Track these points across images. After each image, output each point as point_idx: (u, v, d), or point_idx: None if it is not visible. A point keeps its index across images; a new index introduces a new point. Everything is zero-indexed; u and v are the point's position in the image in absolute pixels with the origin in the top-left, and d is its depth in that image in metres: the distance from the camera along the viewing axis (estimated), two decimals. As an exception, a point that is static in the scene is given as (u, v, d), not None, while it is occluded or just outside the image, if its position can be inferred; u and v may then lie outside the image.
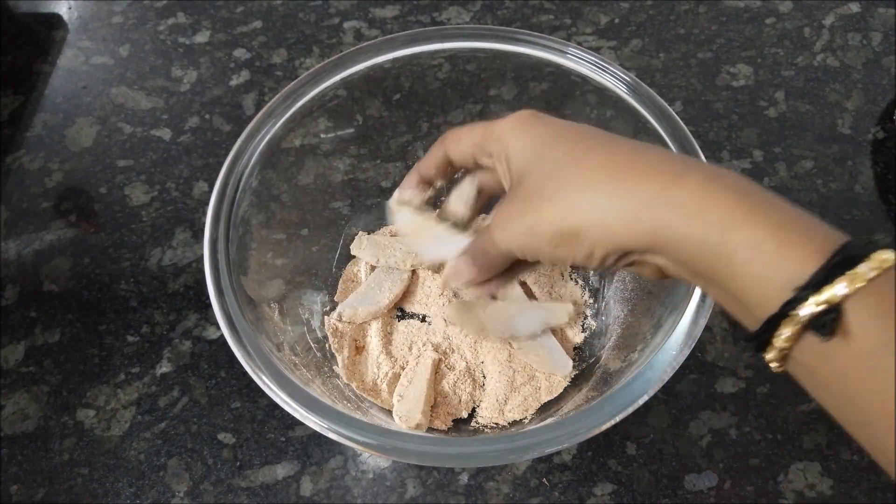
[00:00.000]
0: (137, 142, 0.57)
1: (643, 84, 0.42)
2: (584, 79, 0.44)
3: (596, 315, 0.46)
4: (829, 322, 0.22)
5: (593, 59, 0.43)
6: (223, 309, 0.36)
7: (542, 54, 0.44)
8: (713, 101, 0.57)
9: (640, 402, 0.32)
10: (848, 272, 0.21)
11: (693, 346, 0.33)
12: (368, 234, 0.50)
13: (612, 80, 0.42)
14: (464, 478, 0.42)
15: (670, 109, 0.41)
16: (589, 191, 0.26)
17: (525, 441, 0.31)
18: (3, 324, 0.49)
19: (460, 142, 0.34)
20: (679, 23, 0.63)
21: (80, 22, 0.66)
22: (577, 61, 0.43)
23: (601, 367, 0.42)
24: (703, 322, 0.34)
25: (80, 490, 0.42)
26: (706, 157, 0.39)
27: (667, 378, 0.32)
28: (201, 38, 0.64)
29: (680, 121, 0.40)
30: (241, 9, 0.66)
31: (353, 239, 0.49)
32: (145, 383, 0.46)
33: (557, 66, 0.44)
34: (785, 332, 0.22)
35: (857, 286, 0.21)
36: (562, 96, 0.46)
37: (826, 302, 0.21)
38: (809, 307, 0.22)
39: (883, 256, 0.21)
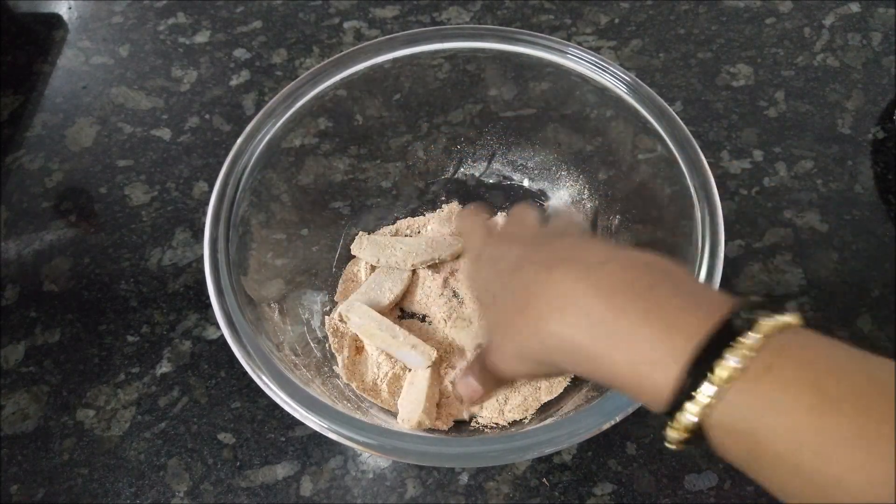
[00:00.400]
0: (137, 142, 0.57)
1: (643, 84, 0.42)
2: (584, 79, 0.44)
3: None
4: (696, 437, 0.23)
5: (593, 59, 0.43)
6: (223, 309, 0.36)
7: (542, 54, 0.44)
8: (713, 101, 0.57)
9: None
10: (707, 380, 0.22)
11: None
12: (368, 234, 0.50)
13: (612, 80, 0.42)
14: (464, 478, 0.42)
15: (670, 109, 0.41)
16: (507, 339, 0.30)
17: (525, 441, 0.31)
18: (3, 324, 0.49)
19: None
20: (679, 23, 0.63)
21: (80, 22, 0.66)
22: (577, 61, 0.43)
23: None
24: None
25: (80, 490, 0.42)
26: (706, 157, 0.39)
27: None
28: (201, 38, 0.64)
29: (680, 121, 0.40)
30: (241, 9, 0.66)
31: (354, 239, 0.49)
32: (145, 383, 0.46)
33: (557, 66, 0.44)
34: (671, 436, 0.24)
35: (711, 397, 0.22)
36: (562, 96, 0.46)
37: (696, 414, 0.22)
38: (681, 422, 0.23)
39: (744, 342, 0.22)
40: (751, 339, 0.22)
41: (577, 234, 0.33)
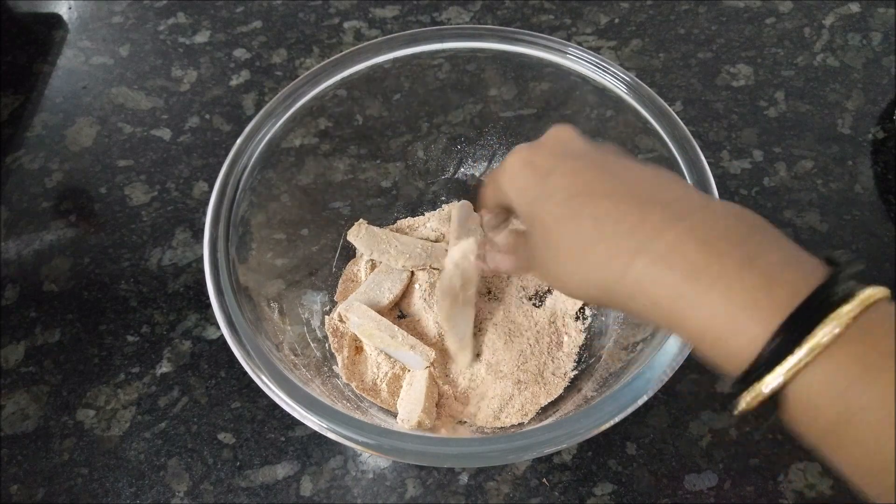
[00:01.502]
0: (137, 142, 0.57)
1: (643, 84, 0.42)
2: (584, 79, 0.44)
3: (596, 315, 0.46)
4: (772, 404, 0.22)
5: (593, 59, 0.43)
6: (223, 309, 0.36)
7: (542, 54, 0.44)
8: (713, 101, 0.57)
9: (640, 402, 0.32)
10: (805, 341, 0.20)
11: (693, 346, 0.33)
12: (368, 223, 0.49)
13: (612, 80, 0.42)
14: (464, 478, 0.42)
15: (670, 109, 0.41)
16: (568, 266, 0.27)
17: (525, 441, 0.31)
18: (3, 324, 0.49)
19: (486, 201, 0.35)
20: (679, 23, 0.63)
21: (80, 22, 0.66)
22: (577, 61, 0.43)
23: (601, 367, 0.42)
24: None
25: (80, 490, 0.42)
26: (706, 157, 0.39)
27: (667, 378, 0.32)
28: (201, 38, 0.64)
29: (680, 121, 0.40)
30: (241, 9, 0.66)
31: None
32: (145, 383, 0.46)
33: (557, 66, 0.44)
34: (746, 400, 0.22)
35: (806, 361, 0.20)
36: (562, 96, 0.46)
37: (783, 375, 0.21)
38: (766, 383, 0.21)
39: (843, 311, 0.20)
40: (850, 307, 0.20)
41: (642, 166, 0.29)
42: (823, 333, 0.20)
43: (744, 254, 0.22)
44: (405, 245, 0.47)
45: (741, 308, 0.22)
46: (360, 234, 0.47)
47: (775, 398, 0.21)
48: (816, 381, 0.20)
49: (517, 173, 0.29)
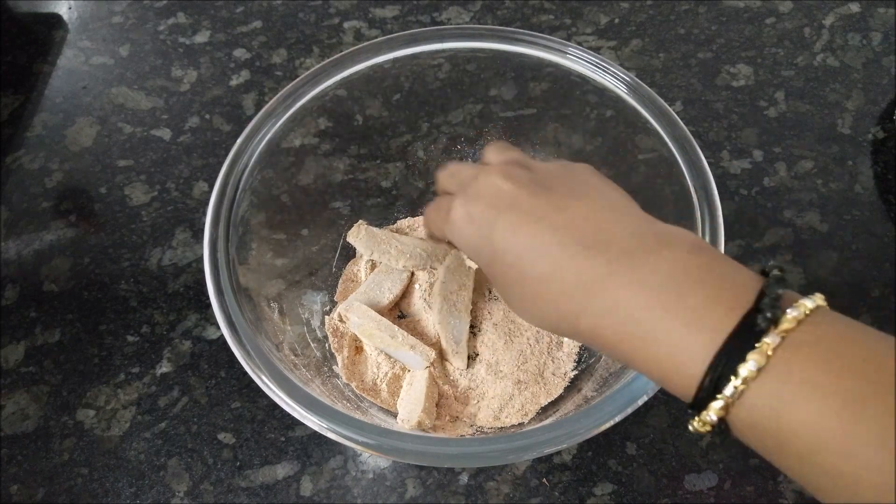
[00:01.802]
0: (137, 142, 0.57)
1: (643, 84, 0.42)
2: (584, 79, 0.44)
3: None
4: (722, 426, 0.23)
5: (593, 59, 0.43)
6: (223, 309, 0.36)
7: (542, 54, 0.44)
8: (713, 101, 0.57)
9: (640, 402, 0.32)
10: (734, 377, 0.22)
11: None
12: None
13: (612, 80, 0.42)
14: (464, 478, 0.42)
15: (670, 110, 0.41)
16: (525, 308, 0.29)
17: (525, 441, 0.31)
18: (3, 324, 0.49)
19: (432, 237, 0.37)
20: (679, 23, 0.63)
21: (80, 22, 0.66)
22: (576, 61, 0.43)
23: (601, 368, 0.42)
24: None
25: (80, 490, 0.42)
26: (706, 158, 0.39)
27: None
28: (201, 38, 0.64)
29: (680, 121, 0.40)
30: (241, 9, 0.66)
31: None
32: (145, 383, 0.46)
33: (557, 66, 0.44)
34: (695, 426, 0.24)
35: (740, 391, 0.22)
36: (562, 96, 0.46)
37: (720, 409, 0.22)
38: (708, 415, 0.23)
39: (767, 341, 0.21)
40: (771, 337, 0.21)
41: (582, 181, 0.30)
42: (746, 367, 0.21)
43: (670, 302, 0.24)
44: (405, 245, 0.47)
45: (674, 354, 0.23)
46: (359, 235, 0.47)
47: (723, 422, 0.23)
48: (753, 407, 0.22)
49: (464, 233, 0.30)
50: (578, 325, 0.26)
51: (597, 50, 0.61)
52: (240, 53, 0.63)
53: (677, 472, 0.41)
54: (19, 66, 0.63)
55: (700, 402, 0.23)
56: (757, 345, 0.21)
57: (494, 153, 0.34)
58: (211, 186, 0.44)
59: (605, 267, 0.25)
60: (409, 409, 0.40)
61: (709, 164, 0.39)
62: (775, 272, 0.24)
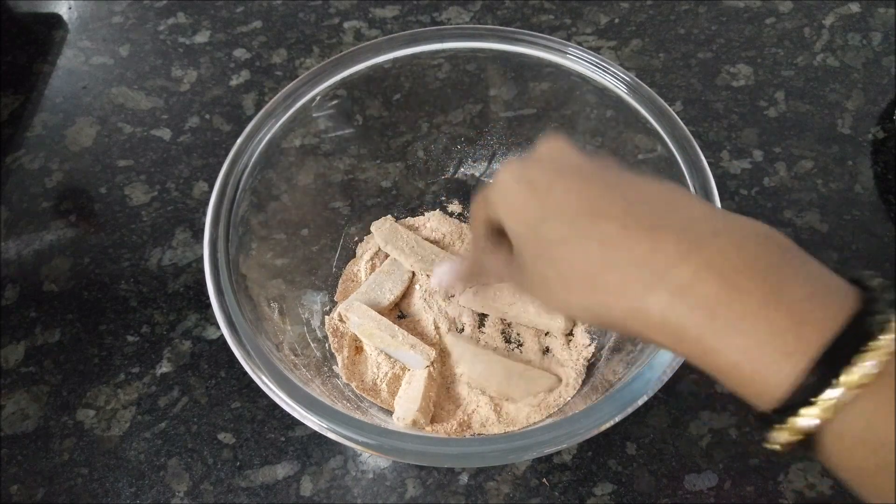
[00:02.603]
0: (137, 142, 0.57)
1: (643, 84, 0.42)
2: (584, 79, 0.44)
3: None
4: (807, 442, 0.20)
5: (593, 59, 0.43)
6: (223, 309, 0.36)
7: (541, 54, 0.44)
8: (713, 101, 0.57)
9: (640, 402, 0.32)
10: (842, 379, 0.19)
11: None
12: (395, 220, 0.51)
13: (612, 80, 0.42)
14: (464, 478, 0.42)
15: (670, 110, 0.41)
16: (572, 292, 0.25)
17: (525, 441, 0.31)
18: (3, 324, 0.49)
19: (476, 219, 0.32)
20: (679, 23, 0.63)
21: (80, 22, 0.66)
22: (576, 61, 0.43)
23: (601, 368, 0.42)
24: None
25: (80, 490, 0.42)
26: (706, 158, 0.39)
27: (666, 378, 0.32)
28: (201, 38, 0.64)
29: (680, 121, 0.40)
30: (241, 9, 0.66)
31: (354, 238, 0.49)
32: (145, 383, 0.46)
33: (557, 66, 0.44)
34: (779, 441, 0.21)
35: (844, 400, 0.19)
36: (562, 96, 0.46)
37: (819, 416, 0.20)
38: (800, 423, 0.20)
39: (881, 344, 0.19)
40: (888, 341, 0.19)
41: (647, 181, 0.26)
42: (861, 370, 0.19)
43: (768, 289, 0.21)
44: (422, 248, 0.47)
45: (769, 349, 0.21)
46: (383, 226, 0.48)
47: (810, 437, 0.20)
48: (854, 421, 0.19)
49: (512, 191, 0.27)
50: (642, 304, 0.22)
51: (597, 50, 0.61)
52: (240, 53, 0.63)
53: (677, 472, 0.41)
54: (19, 66, 0.63)
55: (792, 404, 0.20)
56: (872, 343, 0.19)
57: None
58: (211, 186, 0.44)
59: (687, 243, 0.22)
60: (406, 408, 0.40)
61: (709, 164, 0.39)
62: (878, 279, 0.21)
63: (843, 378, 0.19)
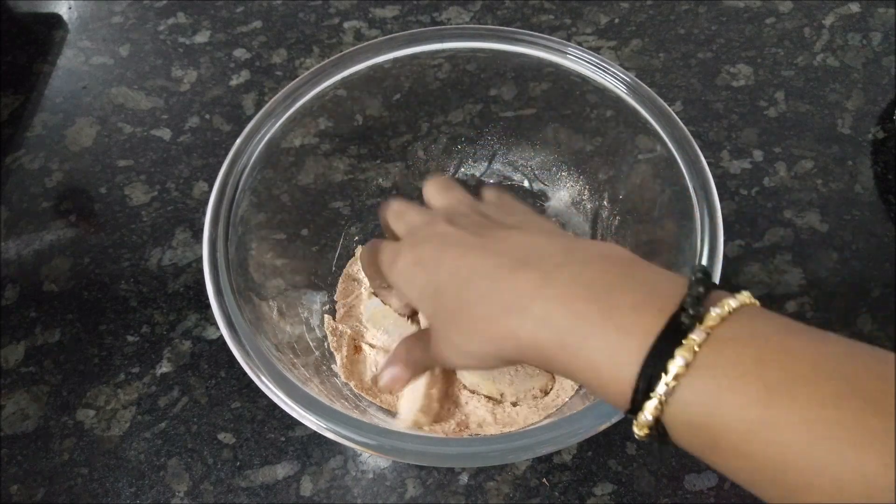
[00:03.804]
0: (137, 142, 0.57)
1: (643, 84, 0.42)
2: (584, 79, 0.44)
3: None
4: (661, 430, 0.24)
5: (593, 59, 0.43)
6: (222, 309, 0.36)
7: (541, 54, 0.44)
8: (713, 101, 0.57)
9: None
10: (663, 375, 0.22)
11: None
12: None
13: (612, 80, 0.42)
14: (464, 478, 0.42)
15: (670, 110, 0.41)
16: (464, 338, 0.30)
17: (525, 441, 0.31)
18: (3, 324, 0.49)
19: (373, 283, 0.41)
20: (679, 23, 0.63)
21: (80, 22, 0.66)
22: (576, 61, 0.43)
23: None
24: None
25: (80, 490, 0.42)
26: (706, 157, 0.39)
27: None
28: (201, 38, 0.64)
29: (679, 121, 0.40)
30: (241, 9, 0.66)
31: (354, 238, 0.49)
32: (145, 383, 0.46)
33: (557, 67, 0.44)
34: (637, 432, 0.24)
35: (671, 388, 0.22)
36: (562, 96, 0.46)
37: (654, 408, 0.23)
38: (643, 416, 0.24)
39: (691, 339, 0.22)
40: (696, 334, 0.22)
41: (518, 214, 0.34)
42: (674, 365, 0.22)
43: (601, 309, 0.25)
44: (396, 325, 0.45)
45: (610, 360, 0.24)
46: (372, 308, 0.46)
47: (661, 428, 0.24)
48: (685, 404, 0.23)
49: (410, 273, 0.32)
50: (519, 339, 0.27)
51: (597, 50, 0.61)
52: (240, 53, 0.63)
53: (677, 472, 0.41)
54: (19, 66, 0.63)
55: (637, 405, 0.24)
56: (684, 341, 0.22)
57: (436, 192, 0.37)
58: (211, 186, 0.44)
59: (540, 279, 0.27)
60: (407, 408, 0.40)
61: (709, 164, 0.39)
62: (698, 274, 0.25)
63: (665, 374, 0.22)
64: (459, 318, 0.29)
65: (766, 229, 0.51)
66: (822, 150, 0.54)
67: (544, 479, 0.41)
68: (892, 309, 0.47)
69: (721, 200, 0.38)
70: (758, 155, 0.54)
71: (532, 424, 0.41)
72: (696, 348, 0.22)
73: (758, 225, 0.51)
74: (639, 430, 0.24)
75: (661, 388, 0.23)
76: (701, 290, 0.24)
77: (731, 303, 0.23)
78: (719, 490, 0.41)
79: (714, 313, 0.23)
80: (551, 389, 0.42)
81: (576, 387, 0.42)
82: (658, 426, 0.24)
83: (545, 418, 0.41)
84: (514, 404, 0.42)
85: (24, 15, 0.68)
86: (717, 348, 0.22)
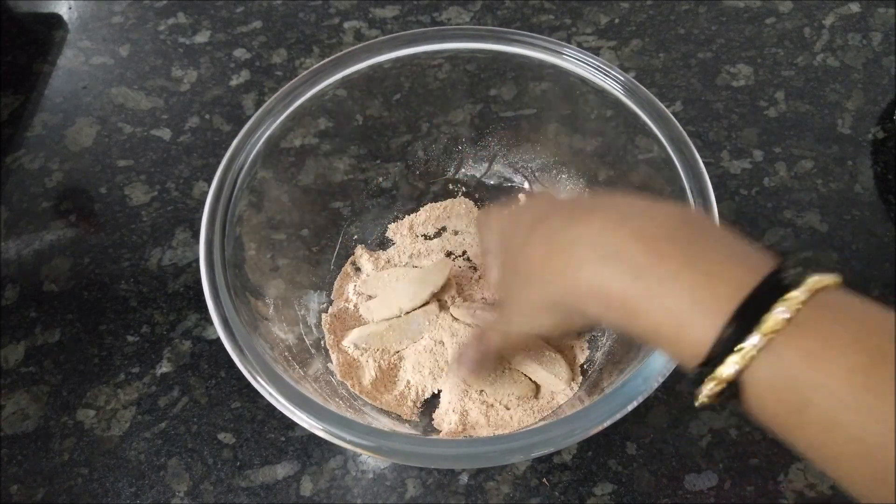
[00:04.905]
0: (137, 142, 0.57)
1: (640, 86, 0.42)
2: (583, 80, 0.44)
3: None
4: (731, 393, 0.22)
5: (590, 60, 0.43)
6: (219, 309, 0.36)
7: (540, 55, 0.44)
8: (713, 101, 0.57)
9: (639, 400, 0.32)
10: (756, 328, 0.21)
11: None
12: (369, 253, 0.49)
13: (610, 81, 0.42)
14: (464, 478, 0.42)
15: (667, 111, 0.41)
16: (530, 287, 0.30)
17: (525, 441, 0.31)
18: (3, 324, 0.49)
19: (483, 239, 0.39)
20: (679, 23, 0.63)
21: (80, 22, 0.66)
22: (574, 63, 0.43)
23: (599, 367, 0.42)
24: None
25: (80, 490, 0.42)
26: (706, 158, 0.39)
27: (664, 377, 0.32)
28: (201, 38, 0.64)
29: (677, 123, 0.40)
30: (241, 9, 0.66)
31: (353, 239, 0.49)
32: (145, 383, 0.46)
33: (556, 68, 0.44)
34: (704, 392, 0.23)
35: (759, 346, 0.21)
36: (561, 97, 0.46)
37: (737, 363, 0.22)
38: (721, 372, 0.22)
39: (793, 295, 0.21)
40: (798, 293, 0.21)
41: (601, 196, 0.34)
42: (773, 319, 0.21)
43: (687, 254, 0.24)
44: (404, 286, 0.45)
45: (691, 307, 0.23)
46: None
47: (734, 388, 0.22)
48: (770, 367, 0.21)
49: (513, 226, 0.33)
50: (580, 277, 0.26)
51: (597, 50, 0.61)
52: (240, 53, 0.63)
53: (677, 472, 0.41)
54: (19, 66, 0.63)
55: (715, 358, 0.22)
56: (786, 296, 0.21)
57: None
58: (211, 186, 0.44)
59: (612, 215, 0.26)
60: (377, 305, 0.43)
61: (709, 164, 0.39)
62: (798, 255, 0.24)
63: (757, 328, 0.21)
64: (537, 266, 0.28)
65: (766, 229, 0.51)
66: (822, 150, 0.54)
67: (544, 479, 0.41)
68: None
69: (721, 200, 0.38)
70: (758, 155, 0.54)
71: (525, 427, 0.41)
72: (799, 305, 0.21)
73: (758, 225, 0.51)
74: (709, 387, 0.23)
75: (752, 341, 0.21)
76: (805, 255, 0.23)
77: (823, 279, 0.22)
78: (719, 490, 0.41)
79: (814, 279, 0.22)
80: (532, 399, 0.42)
81: (575, 389, 0.42)
82: (731, 389, 0.22)
83: (538, 421, 0.41)
84: (507, 407, 0.42)
85: (24, 15, 0.68)
86: (820, 310, 0.21)
